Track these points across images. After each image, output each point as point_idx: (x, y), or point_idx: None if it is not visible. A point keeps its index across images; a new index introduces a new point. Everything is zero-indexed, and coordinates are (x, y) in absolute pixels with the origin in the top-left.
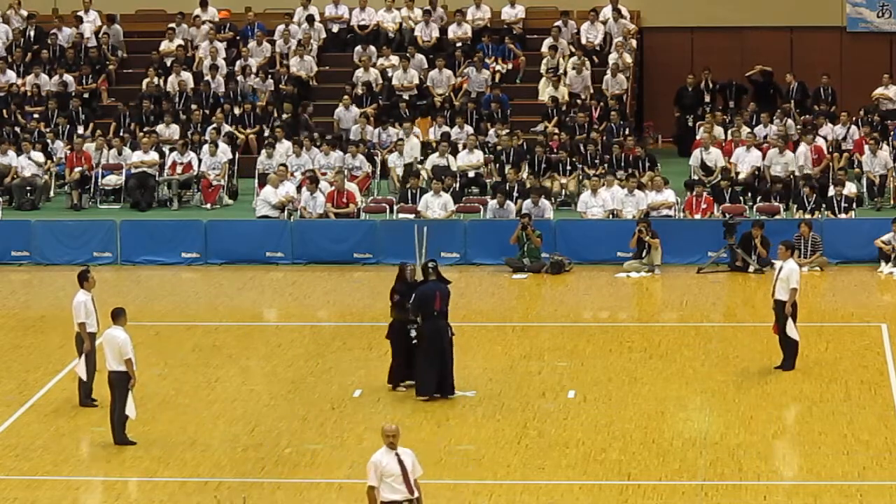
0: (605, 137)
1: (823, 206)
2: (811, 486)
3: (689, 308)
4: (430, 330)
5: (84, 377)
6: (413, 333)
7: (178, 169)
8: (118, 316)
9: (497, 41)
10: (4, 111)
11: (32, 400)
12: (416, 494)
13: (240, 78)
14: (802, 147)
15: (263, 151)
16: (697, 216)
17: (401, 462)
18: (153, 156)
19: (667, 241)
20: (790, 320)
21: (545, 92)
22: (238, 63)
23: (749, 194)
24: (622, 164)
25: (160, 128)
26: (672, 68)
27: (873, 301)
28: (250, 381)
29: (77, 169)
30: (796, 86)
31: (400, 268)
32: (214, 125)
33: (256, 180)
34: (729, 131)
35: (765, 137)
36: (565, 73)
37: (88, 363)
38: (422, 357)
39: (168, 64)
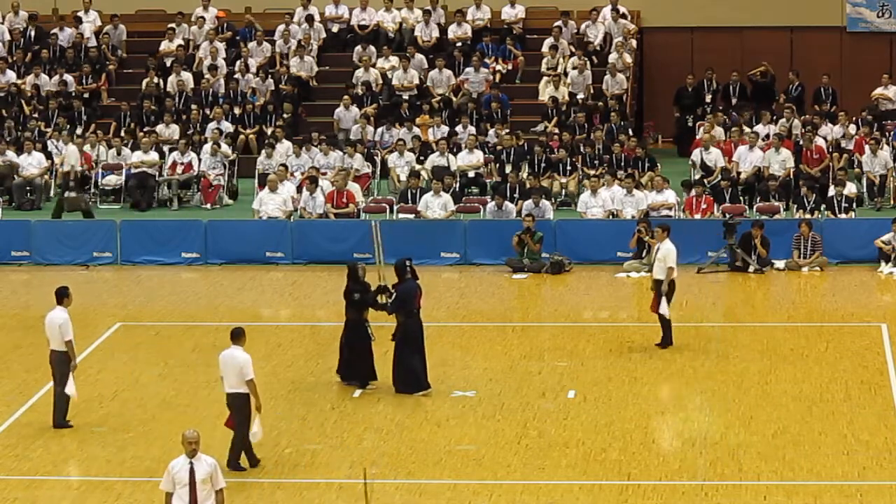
0: (605, 137)
1: (823, 206)
2: (811, 486)
3: (689, 308)
4: (414, 327)
5: (75, 396)
6: (371, 332)
7: (179, 169)
8: (238, 336)
9: (497, 41)
10: (4, 111)
11: (32, 400)
12: None
13: (238, 76)
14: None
15: (263, 151)
16: (697, 216)
17: (191, 471)
18: (153, 156)
19: None
20: (664, 299)
21: (545, 92)
22: (238, 63)
23: (748, 197)
24: (622, 164)
25: (160, 128)
26: (672, 68)
27: (873, 301)
28: None
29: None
30: (797, 85)
31: (351, 268)
32: (215, 125)
33: (256, 180)
34: (729, 131)
35: (765, 137)
36: (565, 72)
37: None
38: (408, 354)
39: (168, 64)
